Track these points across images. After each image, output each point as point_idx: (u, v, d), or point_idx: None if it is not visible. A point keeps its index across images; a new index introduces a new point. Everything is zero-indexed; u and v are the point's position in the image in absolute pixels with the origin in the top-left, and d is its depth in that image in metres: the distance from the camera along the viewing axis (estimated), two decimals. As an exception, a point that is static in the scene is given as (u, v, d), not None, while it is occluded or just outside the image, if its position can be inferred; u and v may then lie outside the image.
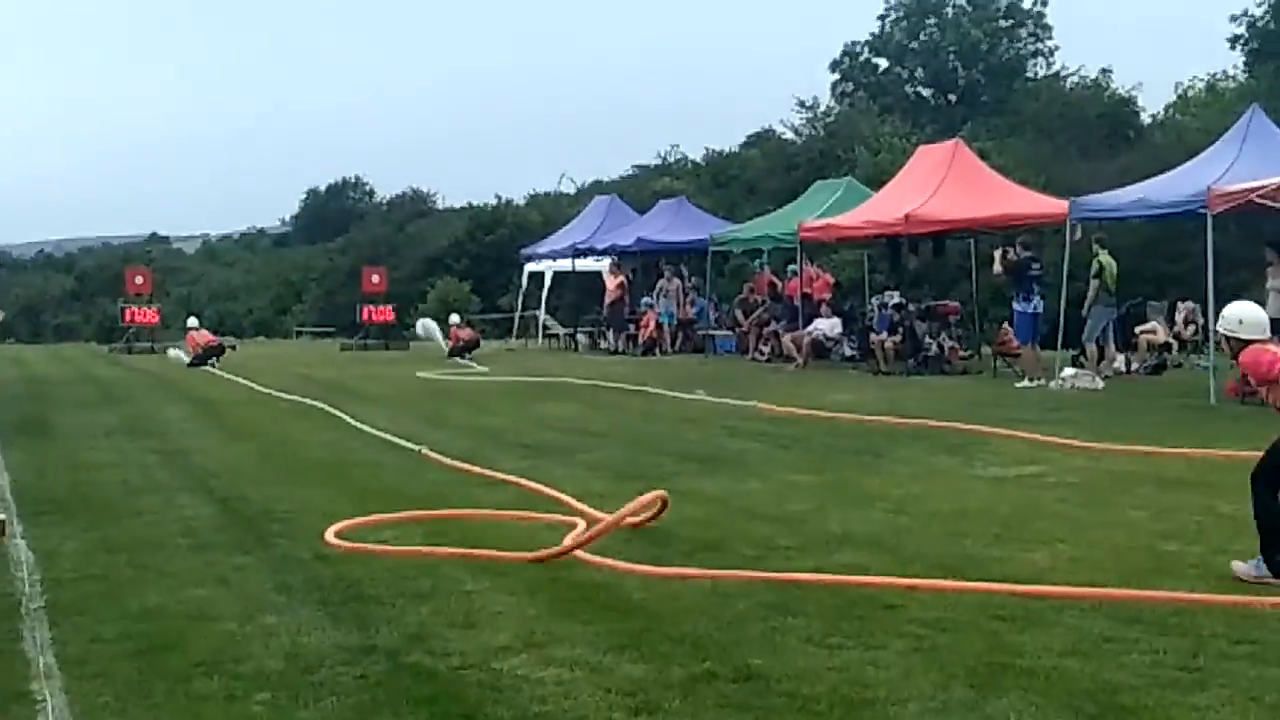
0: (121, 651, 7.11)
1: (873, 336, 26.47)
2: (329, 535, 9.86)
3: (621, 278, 36.87)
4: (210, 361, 32.65)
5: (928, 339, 25.63)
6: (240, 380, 26.71)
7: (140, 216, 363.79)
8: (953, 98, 76.93)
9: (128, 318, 43.95)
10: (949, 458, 13.82)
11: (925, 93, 78.76)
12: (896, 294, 27.28)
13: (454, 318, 38.23)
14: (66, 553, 9.66)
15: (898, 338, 25.82)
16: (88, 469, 14.19)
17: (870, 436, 15.74)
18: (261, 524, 10.73)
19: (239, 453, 15.49)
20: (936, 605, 7.66)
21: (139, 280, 45.35)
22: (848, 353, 28.28)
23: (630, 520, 9.83)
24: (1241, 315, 8.74)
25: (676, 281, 36.01)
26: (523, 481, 12.45)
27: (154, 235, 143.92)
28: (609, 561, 8.86)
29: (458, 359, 33.93)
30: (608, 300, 37.24)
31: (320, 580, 8.64)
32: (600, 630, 7.30)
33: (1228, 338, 8.85)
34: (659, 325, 34.89)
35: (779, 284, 32.87)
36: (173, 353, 36.77)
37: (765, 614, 7.58)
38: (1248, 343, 8.67)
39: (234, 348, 37.21)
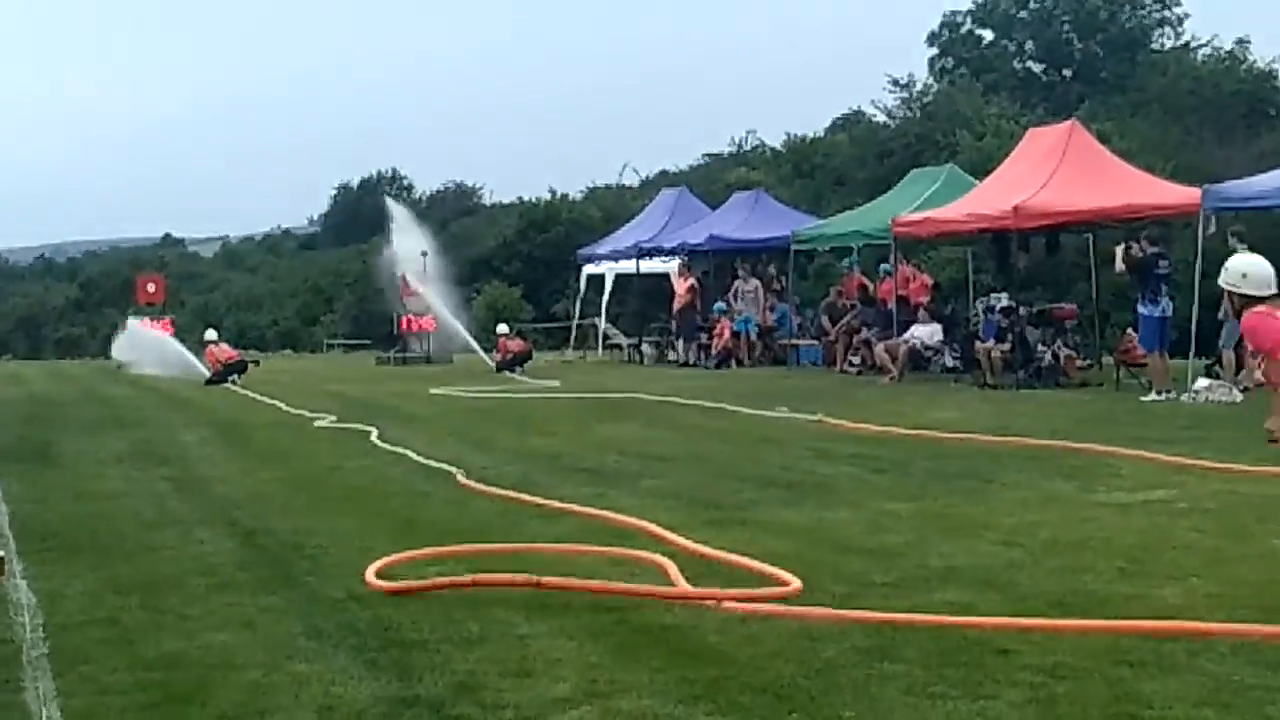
0: (133, 704, 7.15)
1: (977, 345, 26.34)
2: (369, 575, 9.89)
3: (692, 280, 36.89)
4: (231, 378, 32.99)
5: (1040, 347, 25.48)
6: (265, 399, 26.94)
7: (152, 216, 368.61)
8: (1068, 73, 76.49)
9: (138, 329, 44.34)
10: (1066, 482, 13.72)
11: (1036, 68, 78.33)
12: (1004, 296, 27.13)
13: (502, 327, 38.39)
14: (72, 594, 9.74)
15: (1006, 346, 25.65)
16: (95, 500, 14.32)
17: (976, 458, 15.65)
18: (290, 560, 10.81)
19: (264, 481, 15.60)
20: (1054, 649, 7.60)
21: (150, 288, 45.80)
22: (949, 363, 28.19)
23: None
24: (1246, 269, 8.57)
25: (755, 283, 35.98)
26: (600, 512, 12.40)
27: (167, 237, 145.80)
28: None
29: (507, 373, 34.12)
30: (676, 306, 37.27)
31: (355, 623, 8.68)
32: (671, 678, 7.29)
33: (1229, 293, 8.69)
34: (734, 334, 34.89)
35: (870, 286, 32.82)
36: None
37: (858, 660, 7.56)
38: (1252, 299, 8.52)
39: (257, 363, 37.54)
